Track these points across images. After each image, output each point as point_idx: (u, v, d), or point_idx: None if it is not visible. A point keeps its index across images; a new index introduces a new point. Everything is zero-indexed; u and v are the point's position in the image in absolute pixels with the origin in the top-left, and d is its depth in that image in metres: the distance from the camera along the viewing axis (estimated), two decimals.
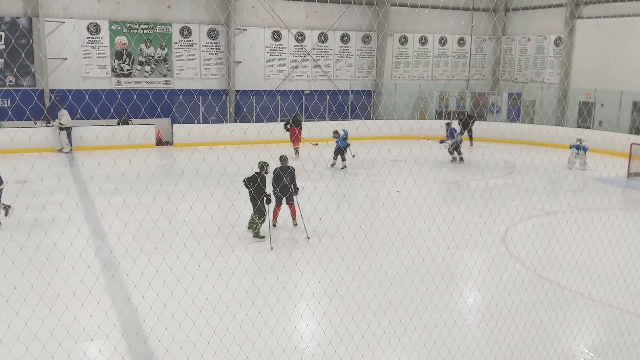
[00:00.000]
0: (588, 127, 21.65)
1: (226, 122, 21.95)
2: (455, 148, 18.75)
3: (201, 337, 6.18)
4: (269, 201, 10.24)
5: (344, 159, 17.00)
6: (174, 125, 20.46)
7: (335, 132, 17.24)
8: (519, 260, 9.59)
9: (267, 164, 10.50)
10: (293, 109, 22.18)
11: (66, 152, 18.59)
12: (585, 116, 22.14)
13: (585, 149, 17.80)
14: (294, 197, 10.97)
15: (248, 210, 10.38)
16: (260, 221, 10.43)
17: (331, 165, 17.31)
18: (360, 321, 6.79)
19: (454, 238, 9.85)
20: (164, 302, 6.62)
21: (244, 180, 10.38)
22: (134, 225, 9.31)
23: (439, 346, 6.59)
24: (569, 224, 8.86)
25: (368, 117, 24.40)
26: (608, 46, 21.75)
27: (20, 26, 19.26)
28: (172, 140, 20.56)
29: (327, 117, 22.61)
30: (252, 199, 10.28)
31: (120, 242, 8.18)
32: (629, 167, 17.00)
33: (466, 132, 21.88)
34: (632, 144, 17.21)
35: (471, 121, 21.87)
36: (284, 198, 10.94)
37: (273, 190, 10.88)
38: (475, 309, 7.92)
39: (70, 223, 9.07)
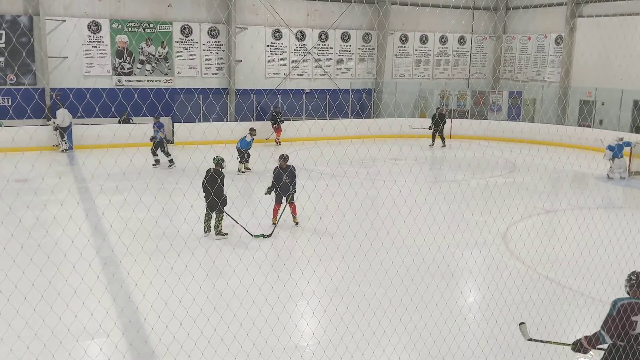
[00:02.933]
0: (589, 126, 21.65)
1: (227, 120, 21.97)
2: (160, 145, 16.95)
3: (202, 336, 6.20)
4: (224, 203, 9.89)
5: (246, 160, 16.09)
6: (174, 123, 20.48)
7: (252, 129, 16.25)
8: (519, 259, 9.61)
9: (223, 159, 10.24)
10: (293, 107, 22.20)
11: (62, 151, 18.59)
12: (586, 115, 22.13)
13: (629, 145, 16.63)
14: (294, 196, 10.98)
15: (248, 209, 10.38)
16: (218, 219, 10.28)
17: (240, 171, 15.98)
18: (361, 320, 6.80)
19: (454, 236, 9.86)
20: (165, 300, 6.63)
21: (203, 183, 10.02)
22: (135, 223, 9.30)
23: (439, 344, 6.61)
24: (569, 222, 8.86)
25: (368, 116, 24.41)
26: (609, 45, 21.73)
27: (21, 24, 19.27)
28: (173, 139, 20.57)
29: (327, 116, 22.61)
30: (207, 198, 9.93)
31: (121, 241, 8.17)
32: (629, 165, 17.00)
33: (437, 132, 21.25)
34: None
35: (442, 121, 21.31)
36: (284, 197, 10.96)
37: (274, 189, 10.92)
38: (475, 307, 7.93)
39: (71, 222, 9.07)
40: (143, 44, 21.18)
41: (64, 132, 18.67)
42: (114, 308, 7.43)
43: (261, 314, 6.73)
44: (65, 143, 18.68)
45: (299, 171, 11.26)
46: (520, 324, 6.14)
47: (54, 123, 18.55)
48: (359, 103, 24.00)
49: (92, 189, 13.65)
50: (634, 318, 5.01)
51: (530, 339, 6.16)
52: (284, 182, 10.63)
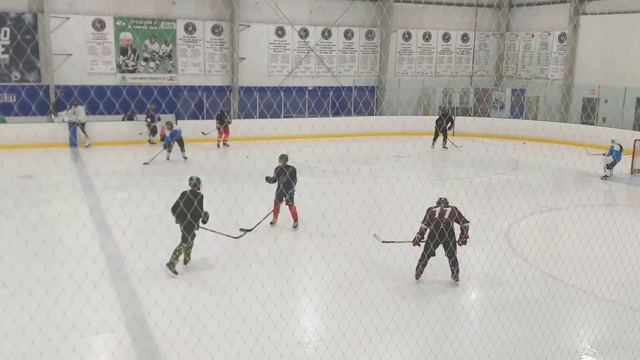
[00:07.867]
0: (592, 124, 21.61)
1: (230, 118, 21.97)
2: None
3: (205, 331, 6.24)
4: (205, 221, 8.57)
5: (170, 151, 16.74)
6: (178, 121, 20.50)
7: (168, 122, 16.72)
8: (522, 257, 9.62)
9: (199, 180, 8.71)
10: (296, 104, 22.22)
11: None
12: (589, 112, 22.10)
13: (612, 153, 16.12)
14: (293, 198, 10.88)
15: (252, 204, 10.37)
16: (182, 247, 8.45)
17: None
18: (363, 316, 6.83)
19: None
20: (169, 296, 6.67)
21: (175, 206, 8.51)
22: (139, 220, 9.35)
23: (442, 342, 6.63)
24: (572, 220, 8.87)
25: (371, 113, 24.40)
26: (612, 42, 21.69)
27: (26, 22, 19.31)
28: None
29: (330, 113, 22.64)
30: (183, 223, 8.41)
31: (126, 237, 8.22)
32: (632, 163, 16.97)
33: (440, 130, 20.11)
34: (635, 140, 17.16)
35: (446, 118, 20.25)
36: (284, 198, 10.86)
37: (271, 181, 10.80)
38: (477, 304, 7.95)
39: (76, 218, 9.13)
40: (147, 42, 21.21)
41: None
42: (118, 304, 7.47)
43: (264, 310, 6.77)
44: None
45: (302, 168, 11.25)
46: (374, 234, 8.61)
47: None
48: (361, 100, 24.00)
49: (97, 185, 13.69)
50: (432, 210, 8.26)
51: (384, 242, 8.43)
52: (286, 180, 10.56)
